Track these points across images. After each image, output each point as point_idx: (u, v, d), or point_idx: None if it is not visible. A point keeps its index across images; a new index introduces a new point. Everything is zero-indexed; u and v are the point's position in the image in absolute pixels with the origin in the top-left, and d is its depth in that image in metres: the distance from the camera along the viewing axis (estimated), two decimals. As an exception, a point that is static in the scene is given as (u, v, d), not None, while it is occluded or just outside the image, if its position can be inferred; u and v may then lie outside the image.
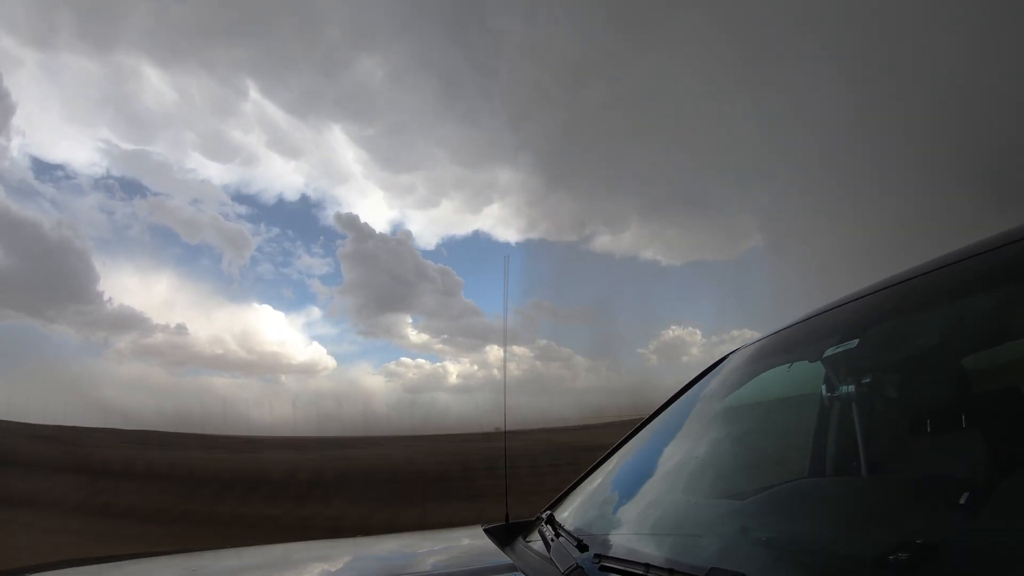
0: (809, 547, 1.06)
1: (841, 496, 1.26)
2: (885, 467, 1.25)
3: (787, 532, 1.17)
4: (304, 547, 2.40)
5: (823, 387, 1.61)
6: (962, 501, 0.85)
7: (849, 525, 1.06)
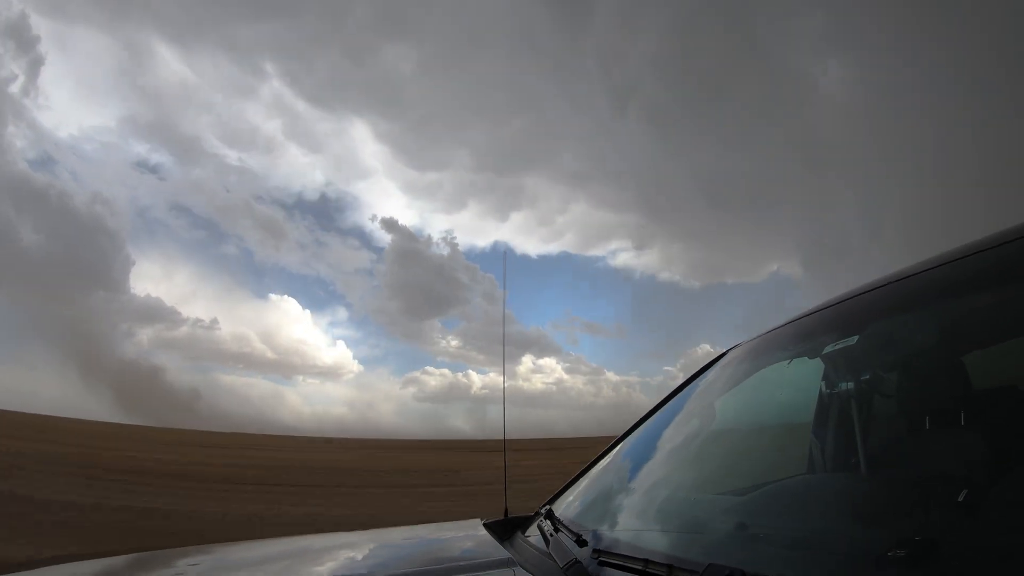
0: (807, 543, 1.06)
1: (840, 492, 1.26)
2: (884, 464, 1.25)
3: (785, 528, 1.17)
4: (301, 542, 2.40)
5: (822, 383, 1.61)
6: (961, 499, 0.85)
7: (847, 521, 1.06)
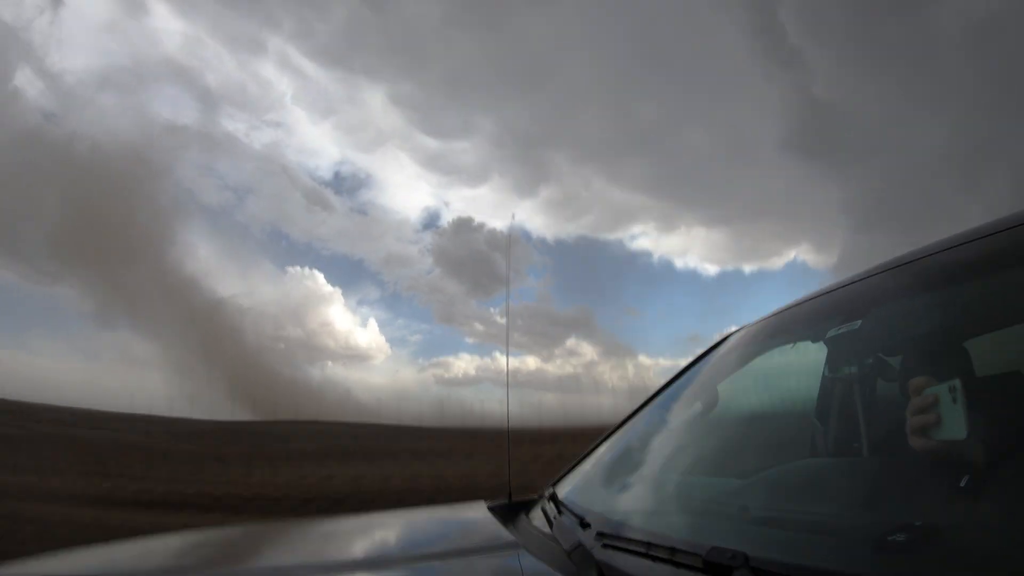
0: (810, 526, 1.07)
1: (842, 476, 1.27)
2: (886, 448, 1.26)
3: (788, 511, 1.18)
4: (304, 524, 2.43)
5: (825, 367, 1.62)
6: (962, 483, 0.86)
7: (850, 505, 1.07)
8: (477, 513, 2.01)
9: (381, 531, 2.11)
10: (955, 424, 0.88)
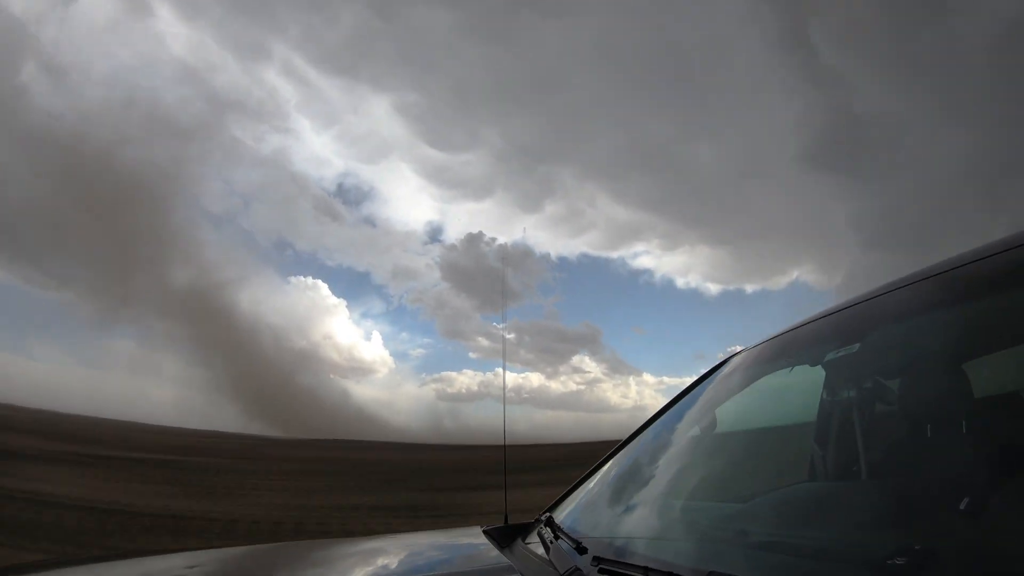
0: (809, 551, 1.06)
1: (841, 500, 1.26)
2: (885, 471, 1.24)
3: (787, 536, 1.17)
4: (301, 547, 2.40)
5: (824, 391, 1.61)
6: (962, 506, 0.85)
7: (849, 529, 1.06)
8: (473, 538, 1.99)
9: (379, 555, 2.09)
10: (954, 447, 0.88)
